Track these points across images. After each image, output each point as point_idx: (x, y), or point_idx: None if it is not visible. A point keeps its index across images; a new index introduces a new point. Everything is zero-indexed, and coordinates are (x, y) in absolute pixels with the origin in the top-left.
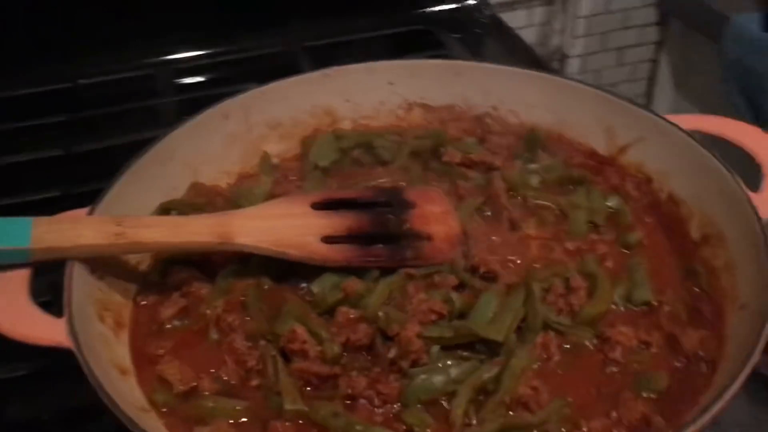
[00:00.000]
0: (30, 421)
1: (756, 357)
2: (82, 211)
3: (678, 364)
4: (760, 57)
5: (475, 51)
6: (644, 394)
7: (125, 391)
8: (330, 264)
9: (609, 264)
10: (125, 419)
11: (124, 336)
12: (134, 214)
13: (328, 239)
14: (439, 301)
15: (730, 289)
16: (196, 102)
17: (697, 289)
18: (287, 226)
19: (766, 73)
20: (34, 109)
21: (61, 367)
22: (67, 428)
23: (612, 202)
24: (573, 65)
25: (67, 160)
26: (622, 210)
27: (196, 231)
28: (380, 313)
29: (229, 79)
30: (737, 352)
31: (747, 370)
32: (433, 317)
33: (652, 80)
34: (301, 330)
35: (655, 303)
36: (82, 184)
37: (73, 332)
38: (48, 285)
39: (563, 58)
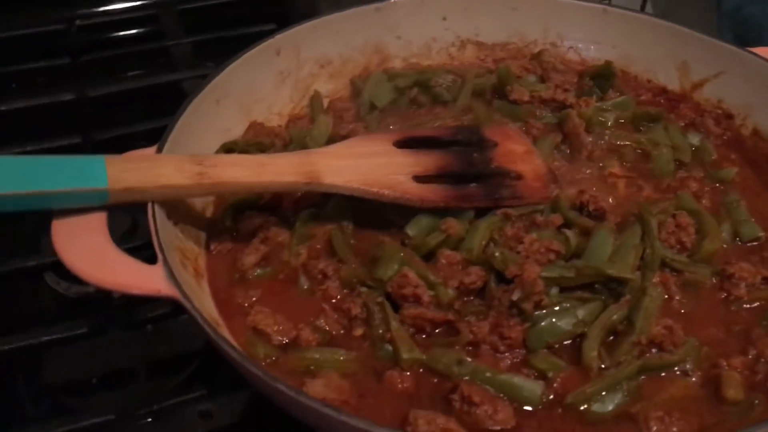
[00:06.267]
0: (83, 383)
1: None
2: (150, 150)
3: None
4: (759, 5)
5: None
6: None
7: None
8: (426, 205)
9: (705, 201)
10: (263, 374)
11: (205, 286)
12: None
13: (418, 179)
14: (556, 241)
15: None
16: (206, 44)
17: None
18: (375, 165)
19: (765, 22)
20: (29, 51)
21: (119, 323)
22: (116, 387)
23: (692, 139)
24: None
25: (81, 104)
26: (705, 147)
27: (282, 171)
28: (497, 254)
29: (238, 19)
30: None
31: None
32: (552, 257)
33: None
34: (411, 274)
35: (764, 239)
36: (104, 129)
37: (174, 279)
38: None
39: None
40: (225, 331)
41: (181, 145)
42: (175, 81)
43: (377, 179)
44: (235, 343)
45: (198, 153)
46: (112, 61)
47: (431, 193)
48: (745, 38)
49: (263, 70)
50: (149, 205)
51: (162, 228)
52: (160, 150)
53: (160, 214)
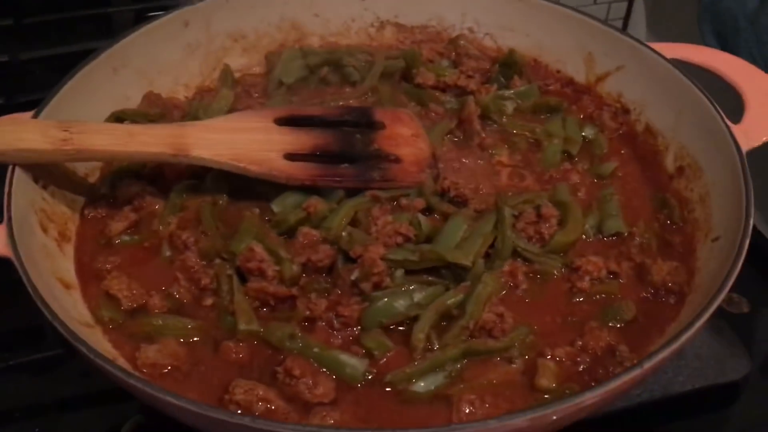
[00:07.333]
0: None
1: (726, 290)
2: (26, 115)
3: (645, 295)
4: None
5: None
6: (610, 324)
7: (68, 306)
8: (293, 182)
9: (581, 194)
10: (67, 332)
11: (69, 249)
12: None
13: (291, 156)
14: (406, 224)
15: (703, 221)
16: (147, 13)
17: (668, 221)
18: (248, 141)
19: (741, 15)
20: None
21: None
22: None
23: (587, 132)
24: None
25: (13, 66)
26: (598, 140)
27: (149, 141)
28: (343, 234)
29: None
30: (706, 285)
31: (717, 303)
32: (399, 240)
33: (626, 20)
34: (258, 248)
35: (626, 234)
36: (30, 92)
37: (11, 240)
38: None
39: None
40: (77, 295)
41: (71, 111)
42: None
43: (247, 154)
44: (84, 306)
45: (85, 120)
46: (55, 25)
47: (299, 171)
48: (723, 32)
49: (169, 42)
50: (9, 168)
51: (20, 190)
52: (36, 115)
53: (22, 176)
